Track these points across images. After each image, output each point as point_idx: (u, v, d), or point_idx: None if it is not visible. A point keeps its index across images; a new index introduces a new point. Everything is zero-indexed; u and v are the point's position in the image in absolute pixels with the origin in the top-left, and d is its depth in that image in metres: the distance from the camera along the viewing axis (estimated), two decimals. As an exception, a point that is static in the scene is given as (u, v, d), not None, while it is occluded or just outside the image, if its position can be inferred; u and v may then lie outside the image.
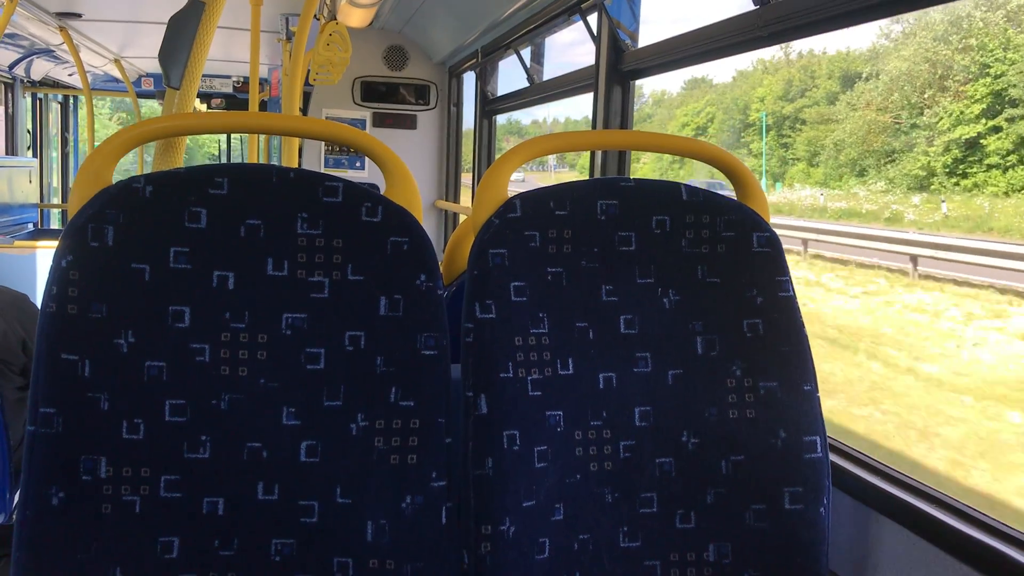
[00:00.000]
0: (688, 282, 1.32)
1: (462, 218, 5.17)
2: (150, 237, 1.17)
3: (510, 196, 1.30)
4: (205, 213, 1.18)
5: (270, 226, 1.20)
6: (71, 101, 8.26)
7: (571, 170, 26.77)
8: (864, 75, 21.96)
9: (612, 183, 1.34)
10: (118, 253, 1.16)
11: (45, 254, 4.14)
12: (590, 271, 1.30)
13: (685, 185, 1.35)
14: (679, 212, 1.33)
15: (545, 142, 1.37)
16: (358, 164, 5.64)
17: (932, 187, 18.11)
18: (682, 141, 1.43)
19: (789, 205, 21.36)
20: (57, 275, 1.14)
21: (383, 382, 1.19)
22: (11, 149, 6.68)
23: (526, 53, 4.20)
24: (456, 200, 5.64)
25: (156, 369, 1.15)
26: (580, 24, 3.06)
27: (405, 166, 1.29)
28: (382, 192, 1.28)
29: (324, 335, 1.19)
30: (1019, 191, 16.51)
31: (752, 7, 1.94)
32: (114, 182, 1.20)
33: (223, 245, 1.18)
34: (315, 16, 3.91)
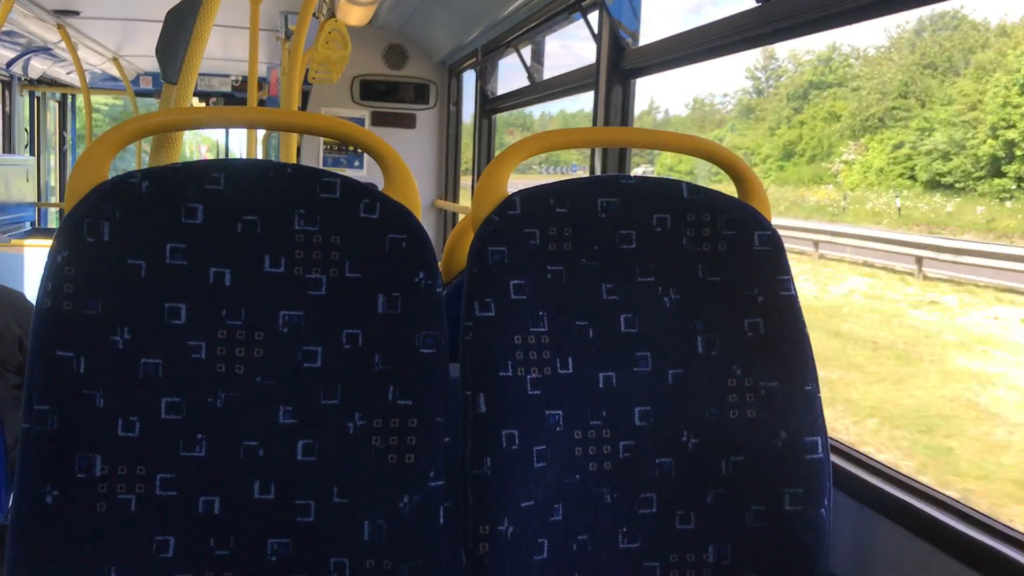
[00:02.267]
0: (689, 281, 1.31)
1: (461, 218, 5.16)
2: (146, 233, 1.15)
3: (510, 193, 1.29)
4: (202, 209, 1.17)
5: (267, 222, 1.18)
6: (69, 100, 8.25)
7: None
8: None
9: (612, 180, 1.33)
10: (114, 249, 1.14)
11: (34, 252, 4.12)
12: (590, 269, 1.28)
13: (686, 183, 1.34)
14: (680, 210, 1.32)
15: (545, 139, 1.36)
16: (357, 163, 5.63)
17: None
18: (683, 138, 1.42)
19: None
20: (52, 271, 1.13)
21: (381, 381, 1.18)
22: (8, 148, 6.67)
23: (526, 52, 4.18)
24: (455, 199, 5.63)
25: (152, 366, 1.14)
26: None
27: (404, 163, 1.27)
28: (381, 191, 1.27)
29: (321, 333, 1.18)
30: None
31: (754, 4, 1.93)
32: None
33: (220, 241, 1.17)
34: (314, 14, 3.89)
